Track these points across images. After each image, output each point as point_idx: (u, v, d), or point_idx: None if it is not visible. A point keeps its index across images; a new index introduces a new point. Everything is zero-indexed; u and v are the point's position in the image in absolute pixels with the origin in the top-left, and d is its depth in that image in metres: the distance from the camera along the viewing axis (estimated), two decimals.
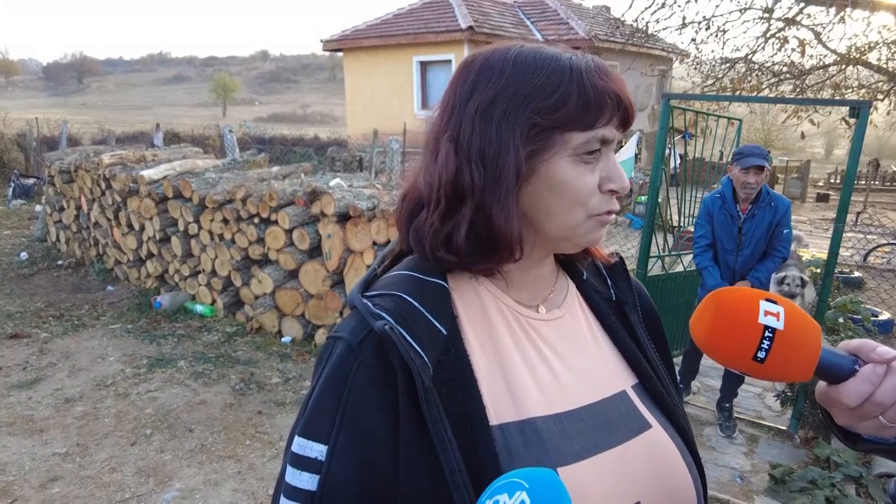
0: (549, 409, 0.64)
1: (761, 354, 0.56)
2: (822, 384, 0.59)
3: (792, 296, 5.73)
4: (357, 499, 0.59)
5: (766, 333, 0.56)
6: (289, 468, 0.62)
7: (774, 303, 0.58)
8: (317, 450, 0.60)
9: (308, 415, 0.62)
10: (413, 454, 0.58)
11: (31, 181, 11.47)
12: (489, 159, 0.63)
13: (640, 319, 0.80)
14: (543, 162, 0.63)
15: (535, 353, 0.68)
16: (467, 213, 0.64)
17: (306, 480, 0.60)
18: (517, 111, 0.62)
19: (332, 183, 4.97)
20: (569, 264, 0.79)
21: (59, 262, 7.00)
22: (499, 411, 0.61)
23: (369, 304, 0.62)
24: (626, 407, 0.70)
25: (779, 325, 0.57)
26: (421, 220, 0.67)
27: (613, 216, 0.68)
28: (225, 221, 5.05)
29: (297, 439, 0.62)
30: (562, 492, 0.48)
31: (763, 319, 0.57)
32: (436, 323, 0.62)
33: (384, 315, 0.60)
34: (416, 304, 0.62)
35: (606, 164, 0.66)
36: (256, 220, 4.86)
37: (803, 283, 4.83)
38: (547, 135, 0.63)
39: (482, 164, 0.63)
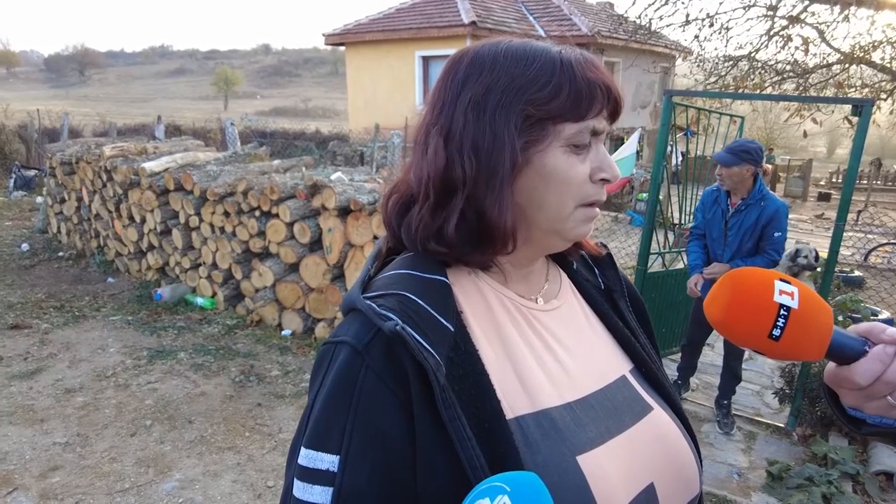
0: (561, 399, 0.65)
1: (776, 332, 0.57)
2: (831, 365, 0.61)
3: (811, 268, 5.85)
4: None
5: (782, 312, 0.57)
6: (297, 483, 0.58)
7: (788, 283, 0.59)
8: (328, 461, 0.57)
9: (314, 425, 0.59)
10: (431, 455, 0.56)
11: (33, 173, 11.45)
12: (483, 151, 0.62)
13: (629, 306, 0.82)
14: (538, 153, 0.64)
15: (540, 343, 0.68)
16: (457, 205, 0.63)
17: (318, 494, 0.57)
18: (511, 103, 0.62)
19: (333, 177, 4.96)
20: (559, 256, 0.80)
21: (60, 254, 7.01)
22: (513, 404, 0.61)
23: (374, 305, 0.59)
24: (628, 391, 0.72)
25: (793, 304, 0.58)
26: (412, 215, 0.66)
27: (598, 211, 0.68)
28: (226, 214, 5.05)
29: (303, 451, 0.58)
30: (544, 495, 0.47)
31: (778, 298, 0.58)
32: (442, 320, 0.60)
33: (391, 315, 0.58)
34: (421, 302, 0.60)
35: (597, 154, 0.67)
36: (257, 213, 4.86)
37: (817, 257, 4.81)
38: (541, 126, 0.63)
39: (475, 156, 0.63)
